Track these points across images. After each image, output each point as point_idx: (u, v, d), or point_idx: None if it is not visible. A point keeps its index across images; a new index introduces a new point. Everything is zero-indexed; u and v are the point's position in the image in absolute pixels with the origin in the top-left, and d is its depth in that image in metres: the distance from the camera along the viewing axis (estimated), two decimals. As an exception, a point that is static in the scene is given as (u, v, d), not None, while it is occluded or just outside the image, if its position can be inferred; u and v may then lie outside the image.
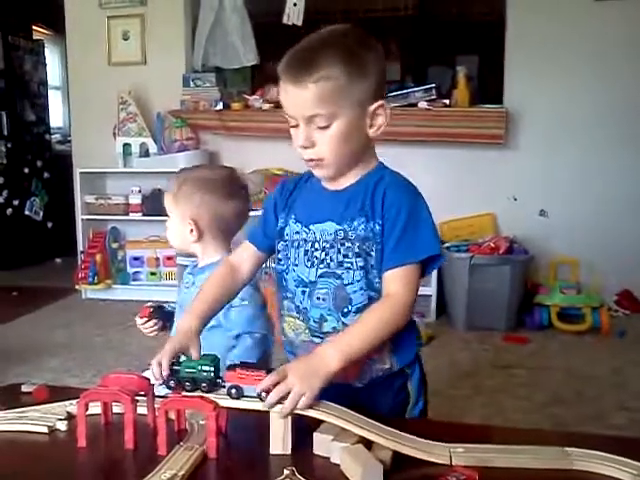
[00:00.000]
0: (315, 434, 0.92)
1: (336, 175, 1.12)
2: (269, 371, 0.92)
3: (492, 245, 3.39)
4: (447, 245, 3.58)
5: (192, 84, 4.17)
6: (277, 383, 0.92)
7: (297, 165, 4.15)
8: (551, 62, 3.75)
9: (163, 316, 1.50)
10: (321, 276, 1.10)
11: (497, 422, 2.13)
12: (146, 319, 1.48)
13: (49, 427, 0.98)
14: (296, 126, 1.07)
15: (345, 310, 1.10)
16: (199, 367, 0.95)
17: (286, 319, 1.17)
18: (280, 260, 1.16)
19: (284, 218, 1.17)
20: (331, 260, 1.10)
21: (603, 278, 3.52)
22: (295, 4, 3.91)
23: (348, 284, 1.09)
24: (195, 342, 1.07)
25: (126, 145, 4.16)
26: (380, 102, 1.07)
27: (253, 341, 1.41)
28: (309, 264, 1.12)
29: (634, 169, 3.71)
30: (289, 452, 0.91)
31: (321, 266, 1.10)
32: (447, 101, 3.77)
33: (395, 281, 1.05)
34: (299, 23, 3.91)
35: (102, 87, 4.25)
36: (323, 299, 1.11)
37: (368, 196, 1.09)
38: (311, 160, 1.08)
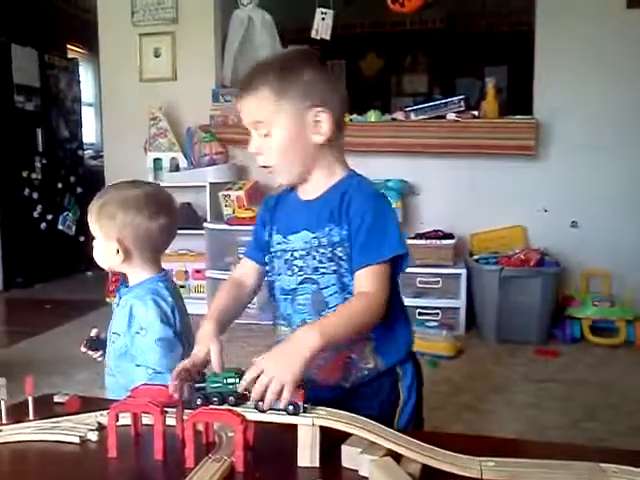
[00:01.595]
0: (343, 446, 0.91)
1: (293, 182, 1.20)
2: (298, 385, 0.92)
3: (522, 257, 3.34)
4: (476, 257, 3.55)
5: (221, 99, 4.22)
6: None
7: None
8: (581, 72, 3.71)
9: (101, 345, 1.46)
10: (301, 283, 1.17)
11: (530, 437, 2.09)
12: (85, 350, 1.48)
13: (81, 437, 0.99)
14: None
15: (322, 313, 1.15)
16: (224, 380, 0.95)
17: (276, 327, 1.25)
18: (268, 272, 1.25)
19: (269, 231, 1.25)
20: (308, 267, 1.17)
21: (636, 290, 3.44)
22: (323, 19, 3.94)
23: (324, 288, 1.16)
24: (215, 343, 1.10)
25: (157, 160, 4.23)
26: (319, 109, 1.13)
27: (147, 375, 1.31)
28: (289, 273, 1.19)
29: (668, 179, 3.63)
30: (317, 465, 0.90)
31: (300, 273, 1.18)
32: (476, 112, 3.75)
33: (365, 279, 1.10)
34: (327, 37, 3.94)
35: (134, 103, 4.33)
36: (304, 304, 1.18)
37: (336, 204, 1.15)
38: (264, 167, 1.18)
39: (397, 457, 0.88)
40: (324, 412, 0.93)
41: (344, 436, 0.92)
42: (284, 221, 1.22)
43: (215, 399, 0.94)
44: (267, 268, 1.25)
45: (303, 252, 1.17)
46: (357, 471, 0.89)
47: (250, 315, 3.75)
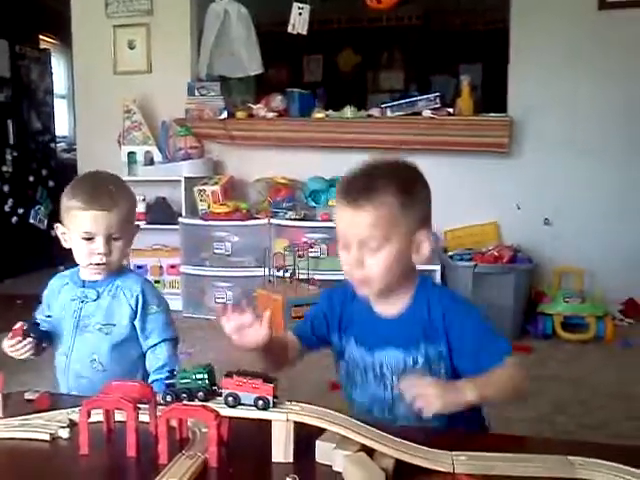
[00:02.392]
0: (317, 442, 0.92)
1: (379, 294, 1.18)
2: (266, 378, 0.92)
3: (496, 254, 3.38)
4: (450, 254, 3.58)
5: (197, 93, 4.19)
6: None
7: (300, 174, 4.18)
8: (555, 70, 3.76)
9: (38, 334, 1.39)
10: (399, 397, 1.12)
11: (501, 431, 2.11)
12: (19, 338, 1.36)
13: (51, 434, 0.98)
14: (346, 248, 1.13)
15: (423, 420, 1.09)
16: (193, 376, 0.95)
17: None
18: (343, 376, 1.26)
19: (342, 339, 1.23)
20: None
21: (608, 287, 3.51)
22: (300, 13, 3.93)
23: None
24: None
25: (131, 153, 4.18)
26: (425, 231, 1.14)
27: (172, 347, 1.46)
28: (382, 387, 1.19)
29: (636, 178, 3.70)
30: (291, 460, 0.91)
31: (397, 391, 1.14)
32: (451, 110, 3.78)
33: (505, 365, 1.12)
34: (304, 32, 3.93)
35: (107, 96, 4.27)
36: (404, 416, 1.16)
37: (426, 320, 1.16)
38: (359, 280, 1.15)
39: (370, 452, 0.89)
40: (298, 407, 0.93)
41: (318, 432, 0.92)
42: (365, 334, 1.20)
43: (184, 395, 0.94)
44: (342, 372, 1.25)
45: (397, 369, 1.16)
46: (331, 466, 0.89)
47: (225, 311, 3.74)
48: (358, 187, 1.11)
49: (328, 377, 2.39)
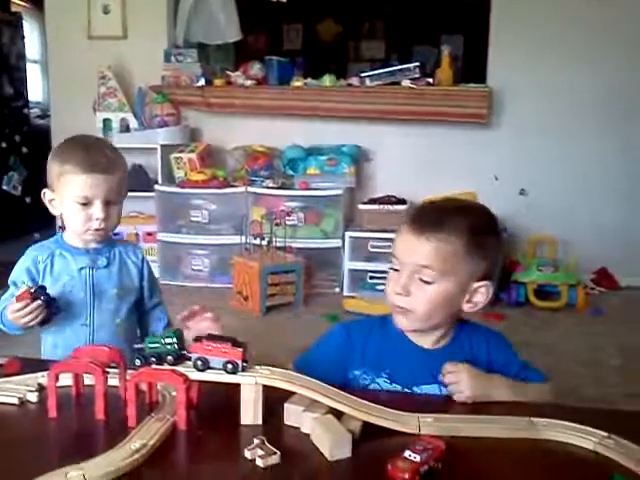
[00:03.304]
0: (286, 405, 0.93)
1: (416, 330, 1.14)
2: (235, 342, 0.92)
3: (472, 223, 3.40)
4: (428, 223, 3.59)
5: (174, 59, 4.11)
6: None
7: (278, 142, 4.14)
8: (535, 42, 3.75)
9: (48, 297, 1.28)
10: None
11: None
12: (27, 301, 1.25)
13: (20, 398, 0.98)
14: (397, 270, 1.11)
15: None
16: (162, 341, 0.95)
17: None
18: None
19: (365, 374, 1.15)
20: None
21: (580, 256, 3.56)
22: (279, -21, 3.86)
23: None
24: None
25: (106, 120, 4.10)
26: (485, 283, 1.10)
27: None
28: None
29: (613, 150, 3.74)
30: (260, 422, 0.92)
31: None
32: (431, 80, 3.76)
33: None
34: (284, 0, 3.86)
35: (82, 61, 4.17)
36: None
37: (468, 353, 1.14)
38: (400, 308, 1.10)
39: (338, 414, 0.90)
40: (267, 371, 0.94)
41: (287, 395, 0.93)
42: (401, 370, 1.13)
43: (153, 359, 0.94)
44: None
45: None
46: (299, 428, 0.91)
47: (201, 278, 3.73)
48: (429, 217, 1.10)
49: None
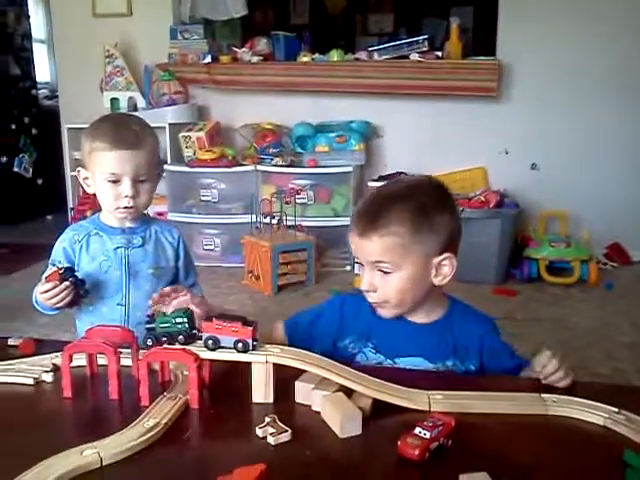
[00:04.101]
0: (297, 383, 0.94)
1: (400, 314, 1.16)
2: (246, 321, 0.93)
3: (482, 199, 3.39)
4: (438, 199, 3.57)
5: (180, 36, 4.08)
6: None
7: (286, 119, 4.11)
8: (545, 14, 3.68)
9: (76, 279, 1.30)
10: None
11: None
12: (56, 282, 1.26)
13: (35, 379, 0.99)
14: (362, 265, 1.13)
15: None
16: (173, 320, 0.96)
17: None
18: None
19: (353, 344, 1.18)
20: None
21: (593, 231, 3.53)
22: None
23: None
24: None
25: (114, 99, 4.10)
26: (446, 255, 1.11)
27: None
28: None
29: (624, 123, 3.69)
30: (271, 401, 0.93)
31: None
32: (439, 53, 3.71)
33: None
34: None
35: (87, 40, 4.15)
36: None
37: (459, 339, 1.15)
38: (374, 302, 1.14)
39: (349, 392, 0.91)
40: (277, 350, 0.95)
41: (298, 373, 0.94)
42: (387, 341, 1.16)
43: (164, 338, 0.95)
44: None
45: None
46: (310, 406, 0.91)
47: (213, 258, 3.75)
48: (366, 217, 1.11)
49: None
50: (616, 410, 0.89)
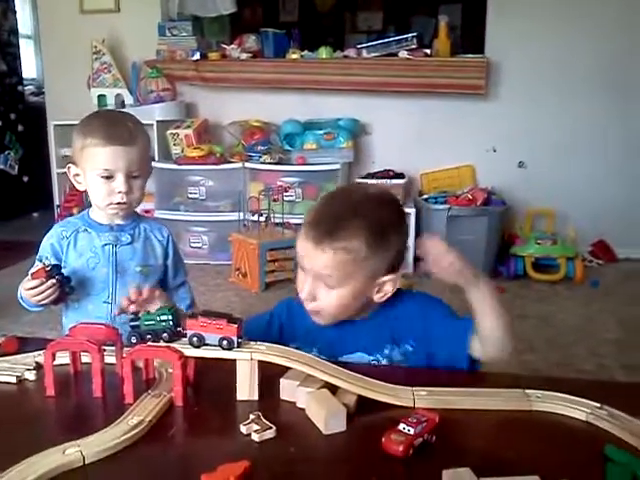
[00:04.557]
0: (281, 380, 0.94)
1: (332, 322, 1.14)
2: (230, 319, 0.92)
3: (470, 196, 3.40)
4: (425, 197, 3.59)
5: (168, 33, 4.06)
6: None
7: (275, 117, 4.09)
8: (534, 12, 3.69)
9: (63, 277, 1.29)
10: None
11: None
12: (42, 279, 1.25)
13: (17, 377, 0.99)
14: (303, 270, 1.11)
15: None
16: (157, 318, 0.95)
17: None
18: None
19: (298, 349, 1.12)
20: None
21: (579, 229, 3.56)
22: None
23: None
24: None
25: (101, 96, 4.07)
26: (392, 276, 1.10)
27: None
28: None
29: (612, 121, 3.71)
30: (256, 398, 0.93)
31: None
32: (428, 51, 3.72)
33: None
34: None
35: (74, 36, 4.13)
36: None
37: (395, 324, 1.14)
38: (310, 310, 1.13)
39: (333, 389, 0.91)
40: (263, 347, 0.95)
41: (283, 370, 0.94)
42: (329, 343, 1.14)
43: (149, 336, 0.95)
44: None
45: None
46: (295, 403, 0.91)
47: (201, 255, 3.74)
48: (325, 226, 1.06)
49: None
50: (598, 405, 0.90)
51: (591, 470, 0.75)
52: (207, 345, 0.92)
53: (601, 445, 0.79)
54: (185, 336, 0.94)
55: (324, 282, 1.08)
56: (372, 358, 1.14)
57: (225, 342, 0.91)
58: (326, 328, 1.15)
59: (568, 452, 0.82)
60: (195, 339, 0.92)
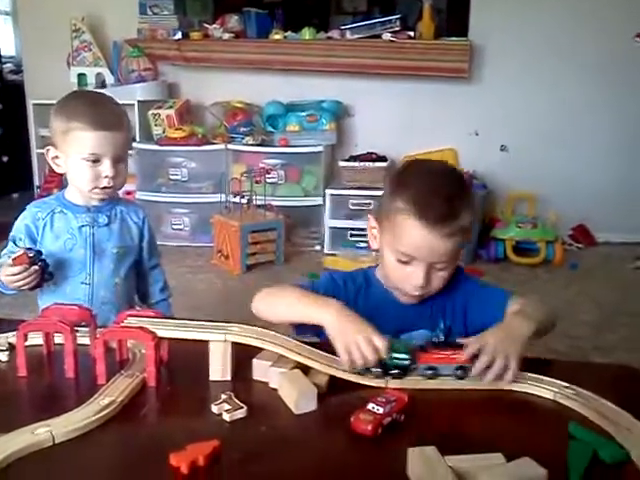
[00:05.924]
0: (254, 360, 0.94)
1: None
2: (460, 346, 0.94)
3: (452, 180, 3.41)
4: (408, 180, 3.59)
5: (149, 11, 4.00)
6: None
7: (257, 98, 4.05)
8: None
9: (45, 263, 1.28)
10: None
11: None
12: (25, 266, 1.24)
13: (-10, 358, 0.98)
14: (408, 262, 1.08)
15: None
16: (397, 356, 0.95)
17: None
18: None
19: None
20: None
21: (560, 213, 3.58)
22: None
23: None
24: None
25: (81, 75, 4.01)
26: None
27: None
28: None
29: (593, 107, 3.73)
30: (229, 378, 0.93)
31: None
32: (412, 33, 3.70)
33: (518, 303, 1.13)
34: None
35: (53, 13, 4.04)
36: None
37: (444, 298, 1.15)
38: (419, 295, 1.11)
39: (306, 369, 0.92)
40: (237, 328, 0.95)
41: (257, 351, 0.95)
42: (388, 323, 1.08)
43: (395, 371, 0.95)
44: None
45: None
46: (267, 384, 0.92)
47: (182, 237, 3.72)
48: (443, 213, 1.04)
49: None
50: (566, 385, 0.92)
51: (554, 447, 0.76)
52: (442, 376, 0.94)
53: (566, 423, 0.81)
54: (415, 368, 0.95)
55: (436, 266, 1.08)
56: (433, 334, 1.15)
57: (460, 371, 0.94)
58: (386, 308, 1.14)
59: (533, 430, 0.84)
60: (429, 372, 0.94)
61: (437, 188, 1.07)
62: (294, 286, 1.15)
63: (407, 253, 1.07)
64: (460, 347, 0.94)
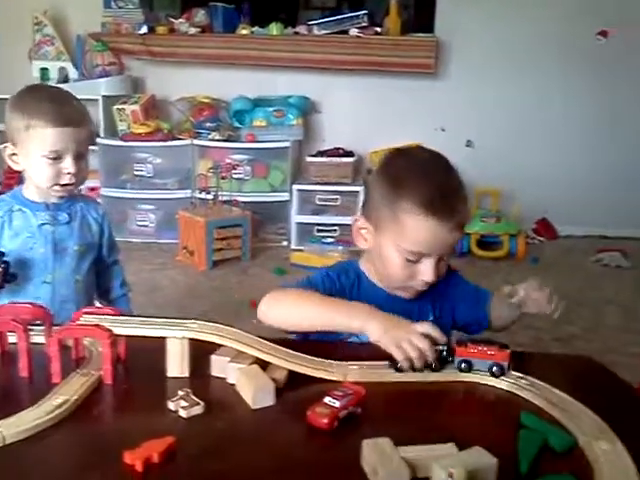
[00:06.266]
0: (212, 356, 0.94)
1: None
2: (502, 345, 0.95)
3: (418, 175, 3.44)
4: (375, 175, 3.61)
5: (114, 5, 3.94)
6: None
7: (224, 93, 4.03)
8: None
9: (7, 264, 1.27)
10: None
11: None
12: None
13: (-59, 358, 0.96)
14: (412, 261, 1.10)
15: None
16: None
17: None
18: None
19: None
20: None
21: (524, 207, 3.65)
22: None
23: None
24: None
25: (43, 70, 3.93)
26: None
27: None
28: None
29: (558, 102, 3.80)
30: (186, 375, 0.93)
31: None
32: (379, 29, 3.72)
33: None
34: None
35: (15, 6, 3.95)
36: None
37: (434, 292, 1.18)
38: (423, 289, 1.14)
39: (265, 365, 0.92)
40: (195, 325, 0.95)
41: (216, 347, 0.95)
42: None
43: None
44: None
45: None
46: (225, 379, 0.92)
47: (147, 234, 3.69)
48: (452, 208, 1.07)
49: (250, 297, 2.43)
50: (521, 375, 0.94)
51: (506, 436, 0.78)
52: (475, 370, 0.94)
53: (518, 413, 0.83)
54: (451, 362, 0.96)
55: (441, 259, 1.11)
56: None
57: (496, 368, 0.93)
58: (378, 304, 1.10)
59: (486, 420, 0.85)
60: (464, 365, 0.95)
61: (440, 184, 1.09)
62: (299, 290, 1.13)
63: (418, 251, 1.09)
64: (494, 344, 0.96)
